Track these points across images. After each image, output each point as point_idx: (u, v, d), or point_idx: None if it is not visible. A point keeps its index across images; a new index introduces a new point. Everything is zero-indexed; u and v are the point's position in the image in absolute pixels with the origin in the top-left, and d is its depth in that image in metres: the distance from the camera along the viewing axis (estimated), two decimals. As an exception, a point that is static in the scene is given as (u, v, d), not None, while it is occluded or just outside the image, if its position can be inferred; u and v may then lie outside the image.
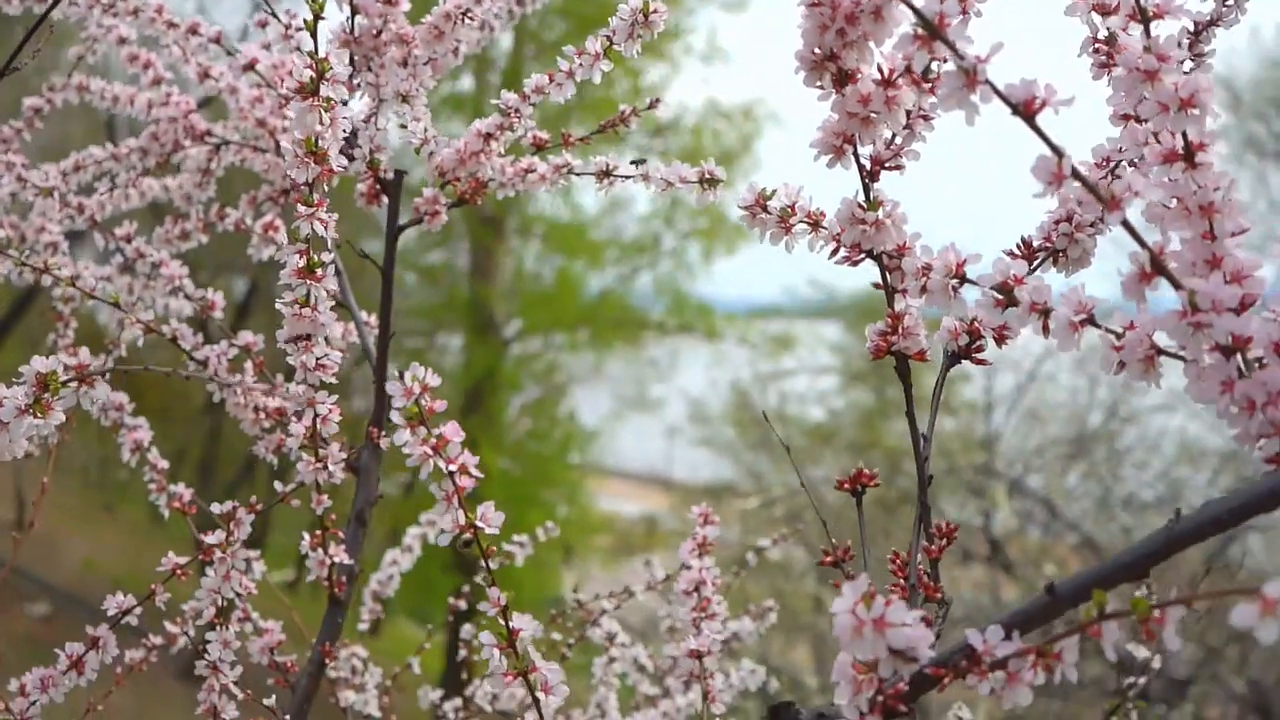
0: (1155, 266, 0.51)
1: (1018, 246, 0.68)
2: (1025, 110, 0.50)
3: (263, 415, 1.00)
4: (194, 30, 1.08)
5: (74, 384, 0.65)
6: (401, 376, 0.59)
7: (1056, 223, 0.67)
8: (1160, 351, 0.53)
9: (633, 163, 0.94)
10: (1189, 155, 0.53)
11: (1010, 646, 0.50)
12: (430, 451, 0.60)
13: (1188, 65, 0.70)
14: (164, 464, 1.08)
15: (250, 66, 1.04)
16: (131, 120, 1.23)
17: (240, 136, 1.16)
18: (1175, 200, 0.54)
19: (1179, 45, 0.70)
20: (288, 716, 0.91)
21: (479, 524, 0.62)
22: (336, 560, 0.95)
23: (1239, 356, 0.50)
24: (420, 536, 1.43)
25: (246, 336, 1.03)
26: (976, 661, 0.51)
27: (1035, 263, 0.67)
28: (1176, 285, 0.50)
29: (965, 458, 6.37)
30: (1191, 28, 0.71)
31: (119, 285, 1.14)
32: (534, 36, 9.28)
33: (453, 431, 0.61)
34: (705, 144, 9.87)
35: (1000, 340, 0.66)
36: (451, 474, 0.61)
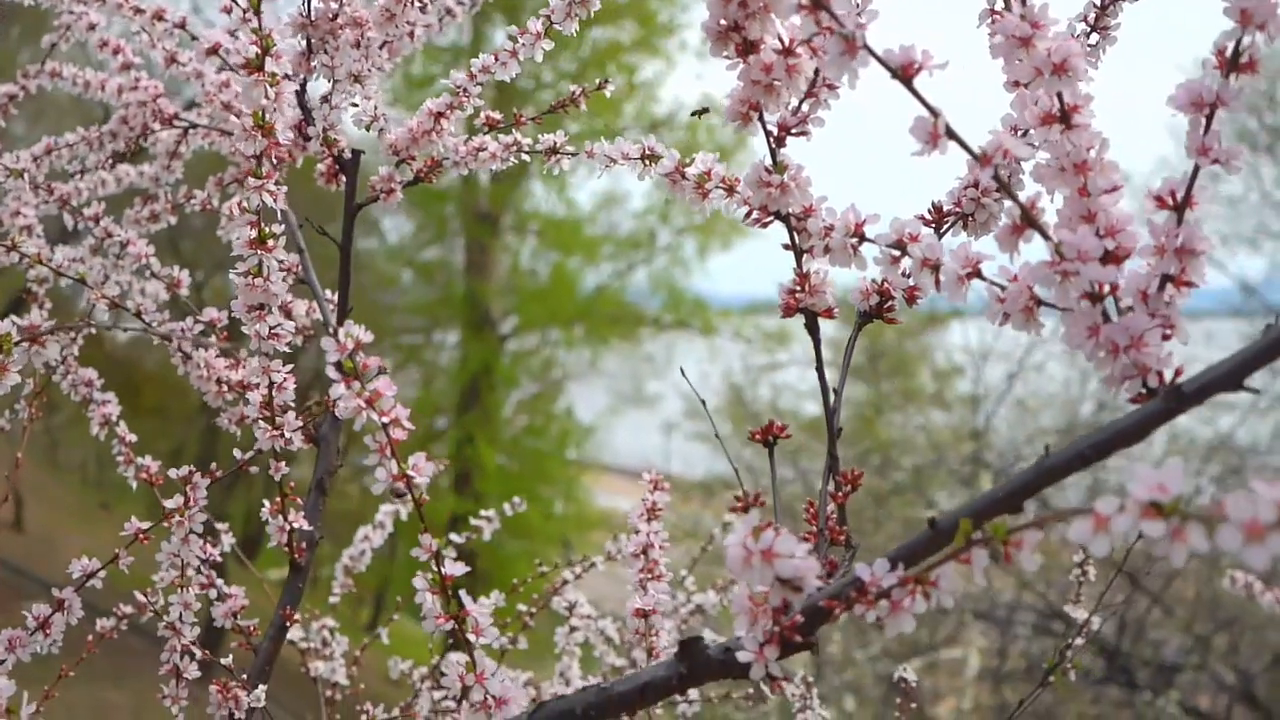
0: (1026, 219, 0.54)
1: (928, 211, 0.72)
2: (904, 74, 0.53)
3: (225, 388, 1.03)
4: (159, 16, 1.11)
5: (25, 344, 0.68)
6: (336, 335, 0.63)
7: (965, 188, 0.70)
8: (1040, 302, 0.57)
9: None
10: (1065, 117, 0.56)
11: (894, 577, 0.53)
12: (364, 404, 0.64)
13: (1094, 39, 0.74)
14: (132, 437, 1.11)
15: (214, 51, 1.07)
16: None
17: (208, 120, 1.20)
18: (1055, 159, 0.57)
19: (1084, 19, 0.74)
20: (245, 675, 0.95)
21: (410, 474, 0.65)
22: (296, 526, 0.98)
23: (1105, 303, 0.54)
24: (393, 513, 1.47)
25: (211, 313, 1.07)
26: (864, 593, 0.54)
27: (945, 226, 0.71)
28: (1046, 237, 0.54)
29: (956, 450, 6.41)
30: (1098, 2, 0.74)
31: (91, 266, 1.17)
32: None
33: (385, 386, 0.64)
34: (700, 139, 9.88)
35: (911, 300, 0.70)
36: (385, 426, 0.64)
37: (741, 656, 0.56)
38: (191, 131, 1.21)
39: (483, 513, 1.42)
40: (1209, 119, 0.54)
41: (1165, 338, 0.54)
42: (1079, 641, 1.11)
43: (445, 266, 11.51)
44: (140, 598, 1.12)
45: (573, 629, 1.32)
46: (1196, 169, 0.54)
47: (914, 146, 0.54)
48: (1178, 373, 0.52)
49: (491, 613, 0.70)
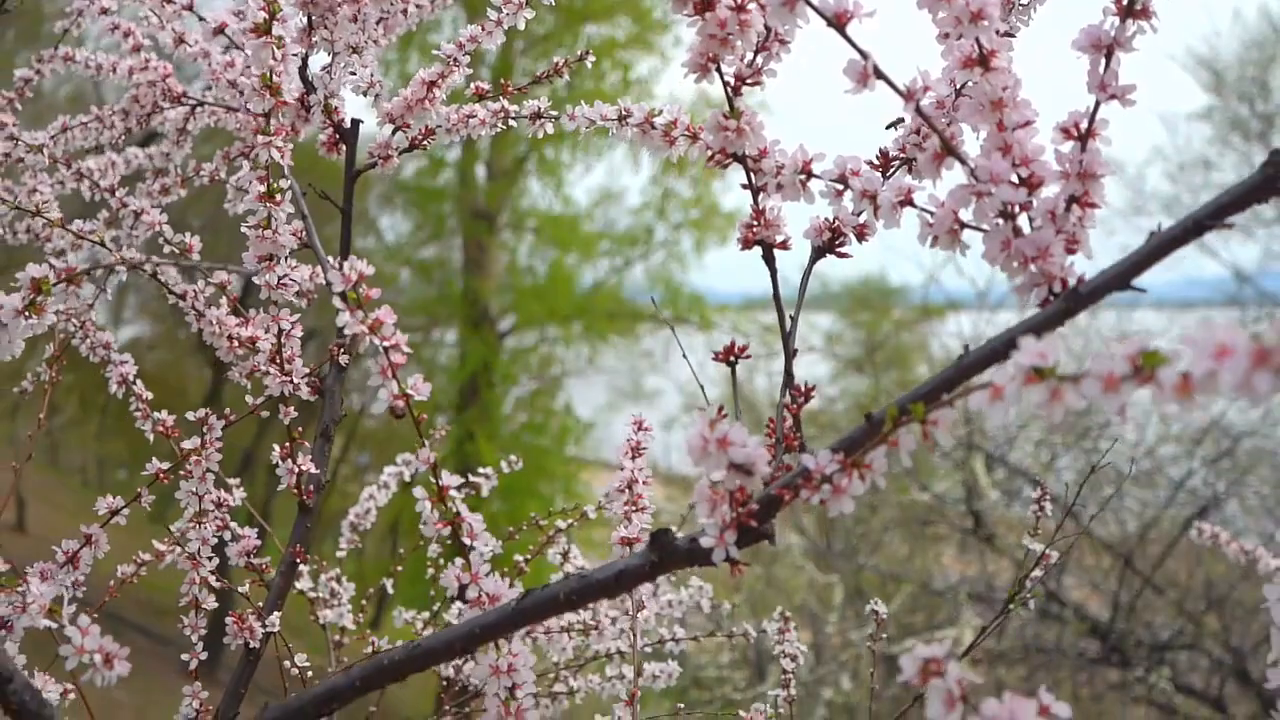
0: (945, 148, 0.61)
1: (876, 156, 0.79)
2: (838, 21, 0.61)
3: (236, 344, 1.10)
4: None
5: (63, 285, 0.75)
6: (341, 267, 0.70)
7: (908, 135, 0.78)
8: (963, 224, 0.64)
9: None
10: (983, 60, 0.63)
11: (835, 464, 0.61)
12: (367, 330, 0.71)
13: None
14: (149, 395, 1.19)
15: (220, 30, 1.14)
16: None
17: (214, 98, 1.27)
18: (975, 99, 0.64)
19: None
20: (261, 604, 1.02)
21: (410, 392, 0.73)
22: (304, 470, 1.06)
23: (1018, 221, 0.61)
24: (397, 475, 1.54)
25: (221, 275, 1.14)
26: (810, 480, 0.61)
27: (891, 169, 0.78)
28: (964, 163, 0.61)
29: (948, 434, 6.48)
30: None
31: (105, 235, 1.25)
32: (524, 30, 9.38)
33: (386, 314, 0.72)
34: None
35: (860, 236, 0.77)
36: (386, 350, 0.72)
37: (704, 542, 0.64)
38: (199, 109, 1.28)
39: (480, 470, 1.49)
40: (1108, 58, 0.61)
41: (1070, 251, 0.61)
42: (1038, 573, 1.18)
43: (443, 265, 11.57)
44: (161, 547, 1.20)
45: (567, 575, 1.39)
46: (1097, 102, 0.62)
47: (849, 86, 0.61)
48: (1079, 281, 0.60)
49: (489, 559, 0.77)
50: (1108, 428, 6.57)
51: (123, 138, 1.27)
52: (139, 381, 1.20)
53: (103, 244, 1.08)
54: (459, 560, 0.74)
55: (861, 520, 6.91)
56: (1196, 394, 0.41)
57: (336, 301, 0.71)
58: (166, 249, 1.19)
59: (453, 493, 0.75)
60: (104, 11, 1.28)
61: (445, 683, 1.57)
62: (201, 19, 1.17)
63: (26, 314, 0.76)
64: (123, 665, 0.66)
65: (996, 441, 6.03)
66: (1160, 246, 0.56)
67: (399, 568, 1.72)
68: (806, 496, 0.61)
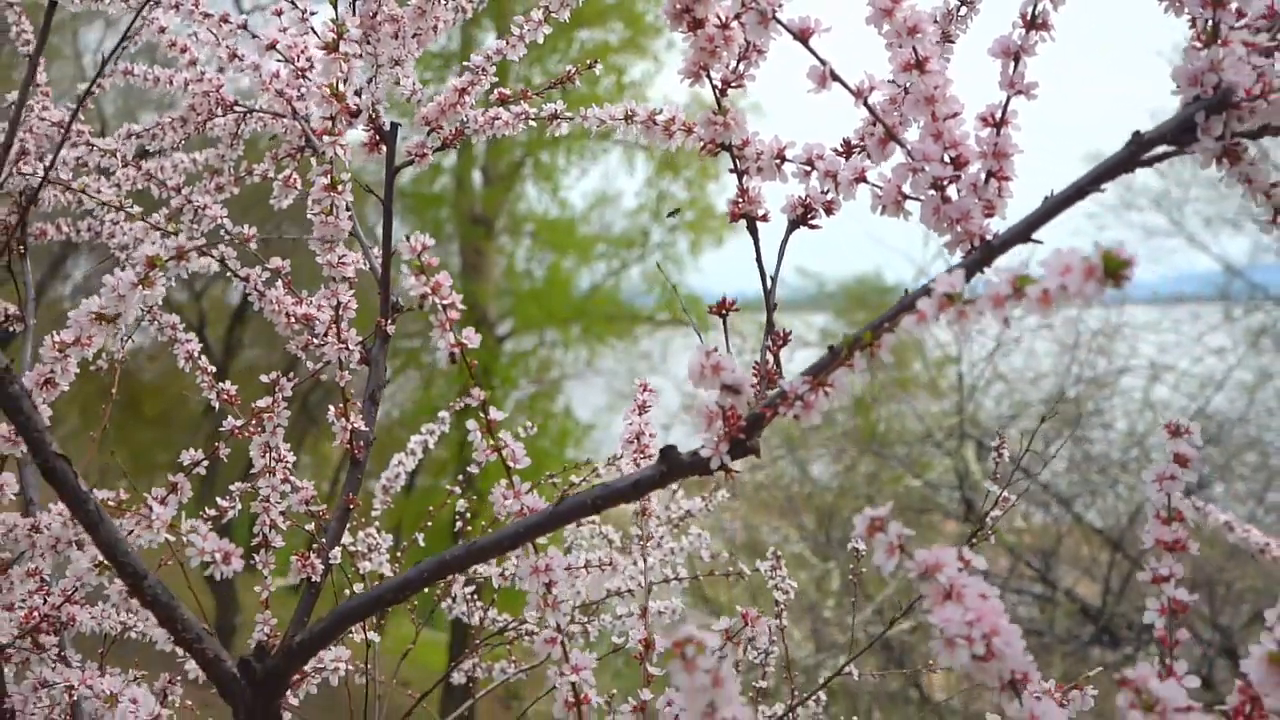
0: (889, 135, 0.78)
1: (841, 144, 0.96)
2: (802, 36, 0.77)
3: (292, 320, 1.26)
4: (225, 19, 1.35)
5: (174, 260, 0.92)
6: (408, 238, 0.87)
7: (865, 125, 0.94)
8: (905, 196, 0.81)
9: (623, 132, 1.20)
10: (919, 65, 0.80)
11: (805, 385, 0.77)
12: (430, 291, 0.87)
13: (963, 10, 0.97)
14: (213, 368, 1.35)
15: (271, 46, 1.31)
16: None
17: (263, 106, 1.43)
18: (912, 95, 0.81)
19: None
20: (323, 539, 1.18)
21: (464, 341, 0.89)
22: (356, 427, 1.22)
23: (945, 192, 0.78)
24: (421, 443, 1.70)
25: (276, 261, 1.30)
26: (786, 399, 0.78)
27: (852, 155, 0.94)
28: (903, 146, 0.78)
29: (942, 425, 6.65)
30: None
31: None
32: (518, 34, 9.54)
33: (444, 278, 0.88)
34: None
35: (828, 211, 0.93)
36: (444, 307, 0.88)
37: (703, 452, 0.80)
38: (248, 115, 1.44)
39: (525, 423, 1.65)
40: (1016, 61, 0.78)
41: (988, 214, 0.77)
42: (997, 513, 1.34)
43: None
44: (224, 503, 1.36)
45: (579, 523, 1.55)
46: (1008, 98, 0.78)
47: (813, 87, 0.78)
48: (994, 238, 0.76)
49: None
50: (1095, 415, 6.75)
51: (182, 142, 1.43)
52: (204, 357, 1.37)
53: (175, 232, 1.24)
54: (503, 480, 0.90)
55: (859, 510, 7.06)
56: (1053, 304, 0.57)
57: (405, 268, 0.87)
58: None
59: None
60: (162, 30, 1.44)
61: (448, 686, 1.73)
62: (255, 36, 1.34)
63: (141, 287, 0.92)
64: (238, 562, 0.82)
65: (987, 430, 6.20)
66: (1053, 207, 0.73)
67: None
68: (784, 411, 0.78)
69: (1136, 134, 0.71)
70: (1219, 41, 0.70)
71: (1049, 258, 0.57)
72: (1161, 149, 0.71)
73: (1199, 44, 0.70)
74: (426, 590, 2.01)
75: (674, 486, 1.79)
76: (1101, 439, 7.11)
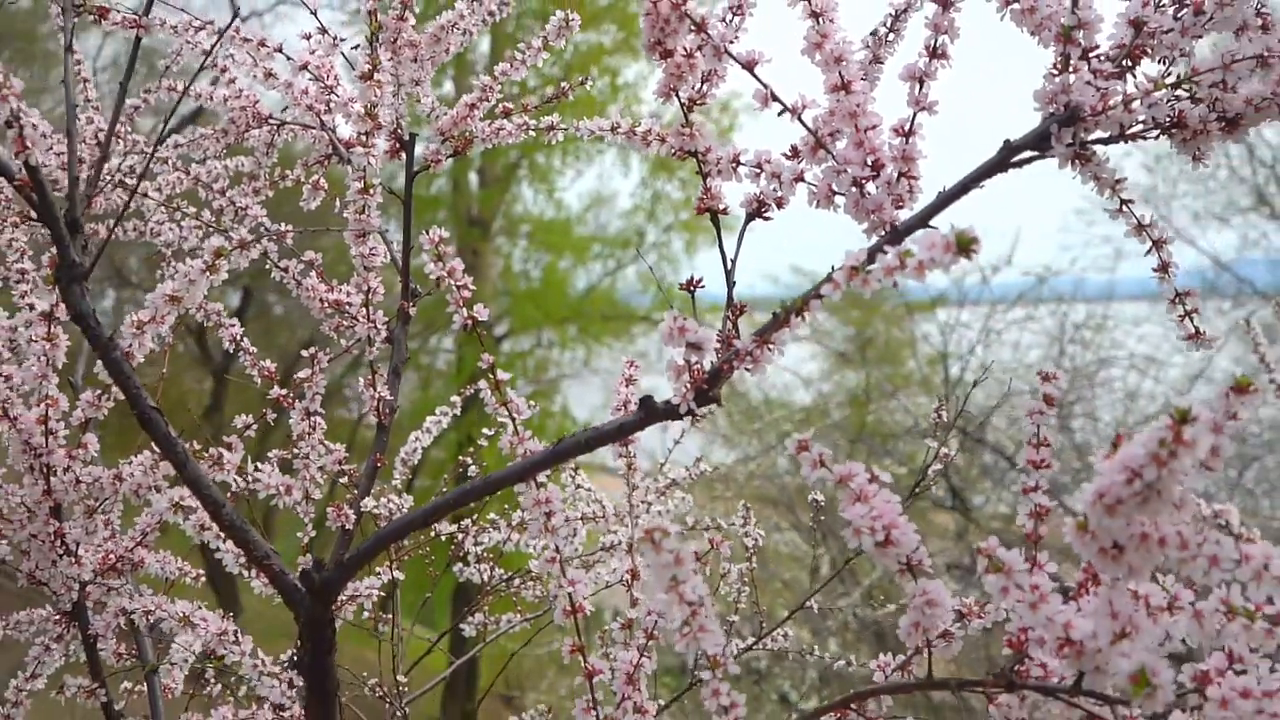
0: (818, 143, 0.98)
1: (789, 149, 1.15)
2: (748, 65, 0.97)
3: (325, 304, 1.46)
4: (263, 43, 1.54)
5: (237, 250, 1.11)
6: (428, 231, 1.06)
7: (804, 137, 1.14)
8: (834, 192, 1.00)
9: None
10: (845, 86, 0.99)
11: (754, 344, 0.96)
12: (445, 275, 1.07)
13: (891, 36, 1.17)
14: (254, 350, 1.54)
15: (304, 66, 1.50)
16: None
17: (293, 119, 1.63)
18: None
19: (884, 24, 1.17)
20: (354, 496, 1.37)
21: (475, 315, 1.08)
22: (382, 396, 1.41)
23: (865, 188, 0.97)
24: (436, 423, 1.90)
25: (309, 254, 1.50)
26: (740, 355, 0.97)
27: (797, 158, 1.14)
28: (830, 154, 0.97)
29: (926, 415, 6.85)
30: (893, 12, 1.17)
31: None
32: (510, 39, 9.75)
33: (458, 264, 1.08)
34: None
35: (779, 205, 1.13)
36: (459, 287, 1.07)
37: (674, 400, 0.99)
38: (282, 128, 1.64)
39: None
40: (921, 84, 0.97)
41: (898, 206, 0.97)
42: (937, 466, 1.54)
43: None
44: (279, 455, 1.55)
45: (578, 486, 1.75)
46: (914, 114, 0.98)
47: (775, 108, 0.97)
48: (900, 224, 0.96)
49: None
50: (1078, 403, 6.96)
51: (224, 150, 1.63)
52: (245, 339, 1.56)
53: (225, 233, 1.44)
54: (510, 428, 1.10)
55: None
56: (926, 272, 0.77)
57: (425, 255, 1.06)
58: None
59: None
60: (206, 53, 1.63)
61: (449, 686, 1.92)
62: (289, 58, 1.53)
63: (209, 273, 1.12)
64: (299, 492, 1.01)
65: (973, 420, 6.40)
66: (941, 202, 0.92)
67: (399, 573, 2.01)
68: (738, 365, 0.97)
69: (1007, 141, 0.91)
70: (1069, 69, 0.89)
71: (919, 237, 0.76)
72: (1027, 154, 0.91)
73: (1055, 71, 0.90)
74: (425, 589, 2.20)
75: (662, 462, 1.99)
76: (1089, 429, 7.31)
